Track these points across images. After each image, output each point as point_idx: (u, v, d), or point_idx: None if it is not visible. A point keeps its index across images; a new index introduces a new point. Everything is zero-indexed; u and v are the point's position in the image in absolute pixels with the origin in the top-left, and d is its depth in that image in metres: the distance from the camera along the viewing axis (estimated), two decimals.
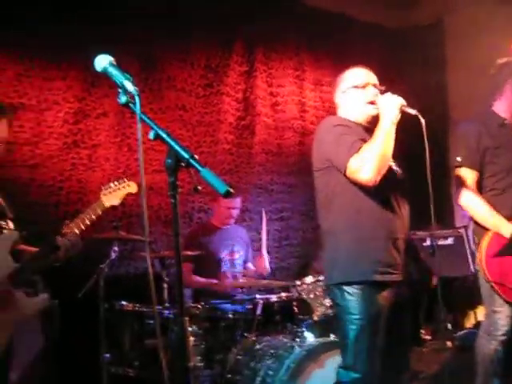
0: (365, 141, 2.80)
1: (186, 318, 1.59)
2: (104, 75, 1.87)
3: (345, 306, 2.80)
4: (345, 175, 2.78)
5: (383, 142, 2.73)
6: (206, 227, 4.81)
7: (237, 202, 4.71)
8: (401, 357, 2.97)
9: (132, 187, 3.06)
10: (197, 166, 1.51)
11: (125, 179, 3.06)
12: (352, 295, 2.78)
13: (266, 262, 4.65)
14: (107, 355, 3.72)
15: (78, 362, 3.98)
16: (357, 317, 2.76)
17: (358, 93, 2.98)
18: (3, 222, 2.62)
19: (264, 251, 4.67)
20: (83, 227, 2.73)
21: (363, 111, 2.97)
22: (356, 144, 2.77)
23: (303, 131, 5.98)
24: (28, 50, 4.54)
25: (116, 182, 3.00)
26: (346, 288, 2.80)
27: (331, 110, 5.97)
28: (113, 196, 2.93)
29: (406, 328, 2.98)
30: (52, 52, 4.63)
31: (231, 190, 1.49)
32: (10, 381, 3.59)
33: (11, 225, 2.65)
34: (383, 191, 2.81)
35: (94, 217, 2.77)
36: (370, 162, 2.70)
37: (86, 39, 4.60)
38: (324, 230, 3.00)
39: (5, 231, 2.59)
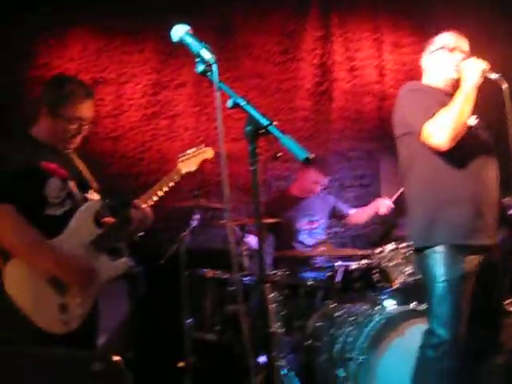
0: (444, 106, 2.75)
1: (267, 285, 1.58)
2: (181, 46, 1.87)
3: (429, 270, 2.81)
4: (420, 140, 2.77)
5: (461, 107, 2.69)
6: (285, 196, 4.79)
7: (325, 179, 4.67)
8: (488, 326, 2.91)
9: (208, 153, 3.07)
10: (276, 132, 1.49)
11: (201, 145, 3.07)
12: (435, 259, 2.78)
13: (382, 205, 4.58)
14: (189, 320, 3.82)
15: (161, 326, 4.09)
16: (441, 279, 2.75)
17: (445, 55, 2.94)
18: (87, 193, 2.70)
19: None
20: (156, 198, 2.78)
21: (446, 74, 2.92)
22: (432, 108, 2.75)
23: (382, 96, 5.81)
24: (106, 26, 4.63)
25: (193, 149, 3.02)
26: (428, 252, 2.81)
27: (411, 72, 5.83)
28: (189, 162, 2.95)
29: (495, 295, 2.94)
30: (129, 26, 4.71)
31: (311, 157, 1.47)
32: (98, 344, 3.76)
33: (95, 195, 2.73)
34: (464, 155, 2.77)
35: (170, 184, 2.80)
36: (445, 126, 2.68)
37: (162, 11, 4.64)
38: (406, 195, 3.02)
39: (89, 201, 2.68)
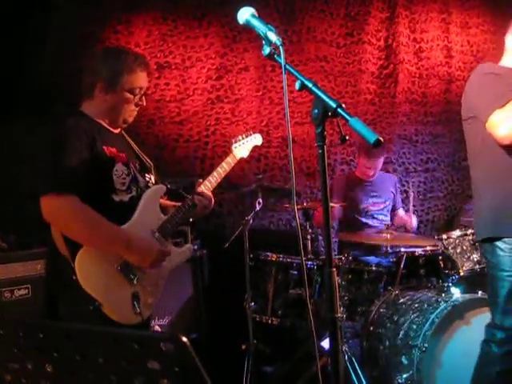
0: None
1: (334, 269, 1.57)
2: (244, 30, 1.86)
3: (496, 262, 2.71)
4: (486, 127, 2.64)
5: None
6: (350, 178, 4.75)
7: (374, 162, 4.59)
8: None
9: (258, 139, 3.13)
10: (345, 115, 1.46)
11: (251, 131, 3.12)
12: (503, 250, 2.68)
13: (413, 221, 4.55)
14: (252, 303, 3.84)
15: (224, 309, 4.14)
16: (509, 273, 2.66)
17: None
18: (148, 177, 2.70)
19: (411, 212, 4.58)
20: (216, 184, 2.79)
21: None
22: (505, 97, 2.59)
23: (449, 78, 5.67)
24: (171, 11, 4.68)
25: (243, 135, 3.05)
26: (497, 243, 2.70)
27: (479, 54, 5.66)
28: (242, 148, 3.00)
29: None
30: (193, 11, 4.74)
31: (381, 139, 1.44)
32: (164, 325, 3.84)
33: (153, 178, 2.72)
34: None
35: (227, 170, 2.83)
36: None
37: None
38: (473, 181, 2.90)
39: (150, 185, 2.67)
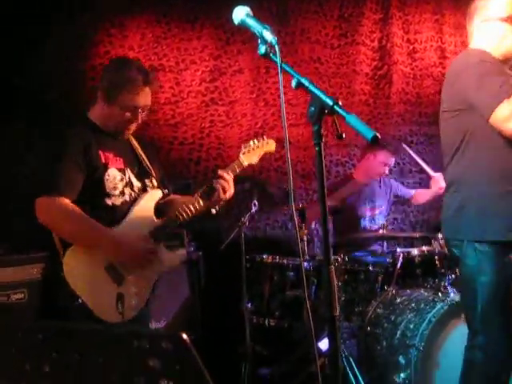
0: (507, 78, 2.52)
1: (332, 267, 1.57)
2: (237, 32, 1.86)
3: (475, 266, 2.59)
4: (488, 121, 2.51)
5: None
6: (347, 181, 4.73)
7: (392, 160, 4.60)
8: None
9: (271, 145, 2.95)
10: (342, 112, 1.47)
11: (264, 137, 2.95)
12: (485, 254, 2.56)
13: (440, 180, 4.39)
14: (249, 305, 3.84)
15: (221, 311, 4.13)
16: (488, 278, 2.55)
17: (503, 25, 2.65)
18: (148, 181, 2.70)
19: (432, 173, 4.50)
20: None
21: (504, 45, 2.66)
22: (504, 87, 2.48)
23: (443, 79, 5.66)
24: (164, 14, 4.68)
25: (255, 141, 2.90)
26: (478, 246, 2.57)
27: None
28: (251, 155, 2.85)
29: None
30: (186, 13, 4.75)
31: (378, 135, 1.43)
32: (160, 328, 3.82)
33: (155, 182, 2.73)
34: None
35: (232, 175, 2.73)
36: None
37: None
38: (451, 178, 2.74)
39: (149, 189, 2.68)
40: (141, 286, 2.53)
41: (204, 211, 2.71)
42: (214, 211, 2.71)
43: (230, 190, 2.68)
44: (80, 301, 2.36)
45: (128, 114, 2.53)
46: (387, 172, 4.62)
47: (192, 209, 2.62)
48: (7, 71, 4.02)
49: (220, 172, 2.65)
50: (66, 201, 2.39)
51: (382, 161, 4.55)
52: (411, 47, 5.62)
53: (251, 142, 2.88)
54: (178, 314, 3.96)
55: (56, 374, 1.29)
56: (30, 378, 1.33)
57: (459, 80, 2.63)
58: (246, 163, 2.81)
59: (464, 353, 2.70)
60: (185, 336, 1.15)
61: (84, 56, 4.42)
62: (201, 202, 2.63)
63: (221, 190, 2.63)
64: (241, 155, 2.81)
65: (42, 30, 4.20)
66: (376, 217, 4.63)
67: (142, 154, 2.74)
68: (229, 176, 2.66)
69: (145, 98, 2.53)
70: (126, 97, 2.49)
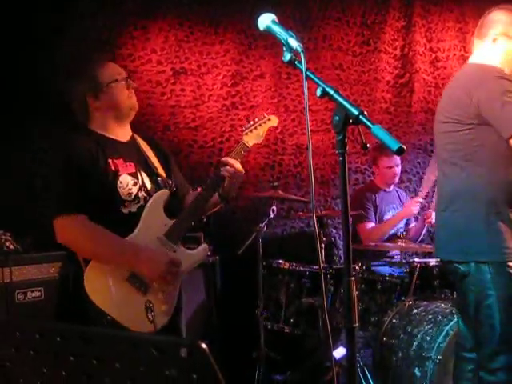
0: None
1: (352, 278, 1.55)
2: (260, 37, 1.85)
3: (489, 281, 2.53)
4: (508, 140, 2.46)
5: None
6: (371, 188, 4.71)
7: (395, 159, 4.57)
8: None
9: (273, 120, 2.82)
10: (367, 122, 1.45)
11: (264, 114, 2.85)
12: (498, 266, 2.52)
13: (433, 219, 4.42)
14: (264, 311, 3.83)
15: (236, 316, 4.12)
16: (505, 292, 2.51)
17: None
18: (160, 180, 2.66)
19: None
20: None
21: None
22: None
23: None
24: (187, 17, 4.69)
25: (255, 119, 2.80)
26: (482, 265, 2.54)
27: None
28: (254, 134, 2.73)
29: None
30: (209, 17, 4.76)
31: (403, 147, 1.41)
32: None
33: (168, 181, 2.69)
34: None
35: (239, 160, 2.63)
36: None
37: (242, 3, 4.67)
38: (450, 194, 2.68)
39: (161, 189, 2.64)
40: (167, 291, 2.47)
41: (220, 203, 2.67)
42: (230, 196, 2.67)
43: (239, 174, 2.61)
44: (109, 318, 2.30)
45: (121, 83, 2.56)
46: (398, 172, 4.60)
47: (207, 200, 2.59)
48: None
49: (223, 159, 2.60)
50: (83, 217, 2.37)
51: (386, 166, 4.55)
52: (434, 56, 5.58)
53: (251, 122, 2.79)
54: (193, 318, 3.96)
55: (72, 378, 1.29)
56: (45, 381, 1.33)
57: (476, 92, 2.55)
58: (250, 143, 2.71)
59: (479, 379, 2.61)
60: (204, 345, 1.14)
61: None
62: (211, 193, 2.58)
63: (229, 177, 2.57)
64: (244, 136, 2.72)
65: (64, 31, 4.22)
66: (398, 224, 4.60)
67: (150, 154, 2.68)
68: (233, 160, 2.59)
69: (112, 68, 2.63)
70: (103, 73, 2.56)
